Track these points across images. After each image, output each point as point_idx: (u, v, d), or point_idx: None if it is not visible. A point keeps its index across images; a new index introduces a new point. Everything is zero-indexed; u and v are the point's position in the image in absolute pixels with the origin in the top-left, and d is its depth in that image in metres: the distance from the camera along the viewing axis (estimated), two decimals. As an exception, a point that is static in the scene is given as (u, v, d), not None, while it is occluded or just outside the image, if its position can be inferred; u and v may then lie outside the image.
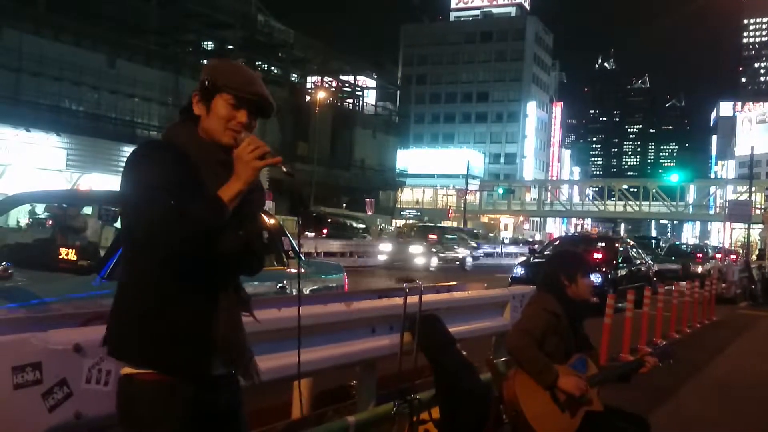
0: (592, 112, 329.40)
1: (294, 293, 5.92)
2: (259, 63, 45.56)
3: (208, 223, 1.88)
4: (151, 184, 1.87)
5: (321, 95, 47.62)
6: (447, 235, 32.78)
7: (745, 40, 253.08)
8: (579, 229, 79.23)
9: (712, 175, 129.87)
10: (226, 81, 2.01)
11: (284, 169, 2.13)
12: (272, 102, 2.09)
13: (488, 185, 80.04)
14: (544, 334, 3.55)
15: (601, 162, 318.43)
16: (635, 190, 72.75)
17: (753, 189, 41.53)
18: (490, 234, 63.89)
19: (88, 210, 5.94)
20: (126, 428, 1.99)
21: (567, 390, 3.45)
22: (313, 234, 28.91)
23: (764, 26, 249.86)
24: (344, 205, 49.70)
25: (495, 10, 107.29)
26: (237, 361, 2.08)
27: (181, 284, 1.95)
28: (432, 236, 30.72)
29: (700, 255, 29.63)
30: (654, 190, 68.88)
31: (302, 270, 6.38)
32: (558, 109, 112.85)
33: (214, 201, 1.90)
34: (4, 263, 4.07)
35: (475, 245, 37.20)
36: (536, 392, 3.46)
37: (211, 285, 1.99)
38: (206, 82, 2.02)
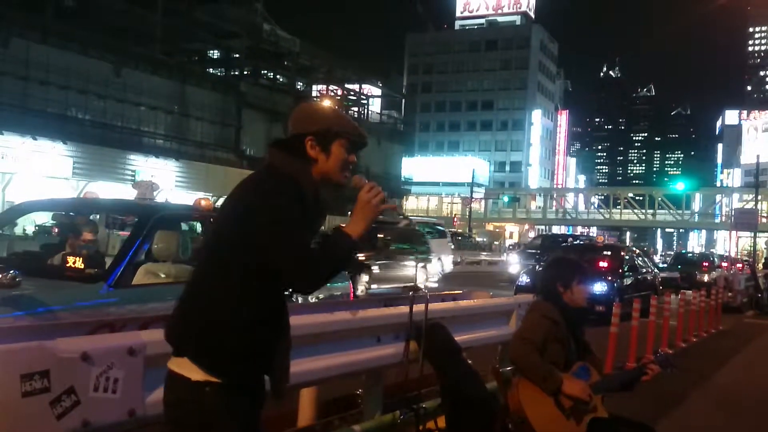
0: (597, 120, 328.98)
1: (299, 301, 5.92)
2: (265, 71, 45.61)
3: (346, 262, 2.18)
4: (297, 220, 2.10)
5: (326, 103, 47.69)
6: None
7: (750, 48, 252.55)
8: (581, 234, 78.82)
9: (718, 184, 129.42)
10: (342, 128, 2.26)
11: (400, 216, 2.28)
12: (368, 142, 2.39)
13: (493, 193, 79.95)
14: (545, 342, 3.54)
15: (607, 170, 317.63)
16: (641, 198, 72.37)
17: (759, 197, 41.37)
18: (495, 242, 63.67)
19: (95, 218, 5.97)
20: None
21: (572, 394, 3.43)
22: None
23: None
24: (349, 213, 49.67)
25: (500, 19, 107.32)
26: (282, 377, 2.28)
27: (272, 304, 2.18)
28: None
29: (707, 264, 29.57)
30: (659, 199, 68.68)
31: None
32: (563, 117, 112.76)
33: (350, 242, 2.16)
34: (11, 271, 4.08)
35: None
36: (541, 400, 3.45)
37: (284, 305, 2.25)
38: (327, 130, 2.23)
